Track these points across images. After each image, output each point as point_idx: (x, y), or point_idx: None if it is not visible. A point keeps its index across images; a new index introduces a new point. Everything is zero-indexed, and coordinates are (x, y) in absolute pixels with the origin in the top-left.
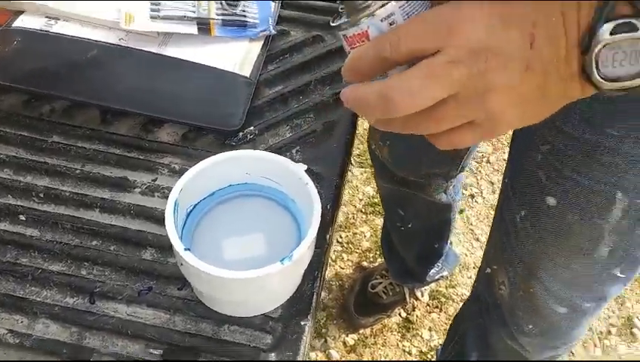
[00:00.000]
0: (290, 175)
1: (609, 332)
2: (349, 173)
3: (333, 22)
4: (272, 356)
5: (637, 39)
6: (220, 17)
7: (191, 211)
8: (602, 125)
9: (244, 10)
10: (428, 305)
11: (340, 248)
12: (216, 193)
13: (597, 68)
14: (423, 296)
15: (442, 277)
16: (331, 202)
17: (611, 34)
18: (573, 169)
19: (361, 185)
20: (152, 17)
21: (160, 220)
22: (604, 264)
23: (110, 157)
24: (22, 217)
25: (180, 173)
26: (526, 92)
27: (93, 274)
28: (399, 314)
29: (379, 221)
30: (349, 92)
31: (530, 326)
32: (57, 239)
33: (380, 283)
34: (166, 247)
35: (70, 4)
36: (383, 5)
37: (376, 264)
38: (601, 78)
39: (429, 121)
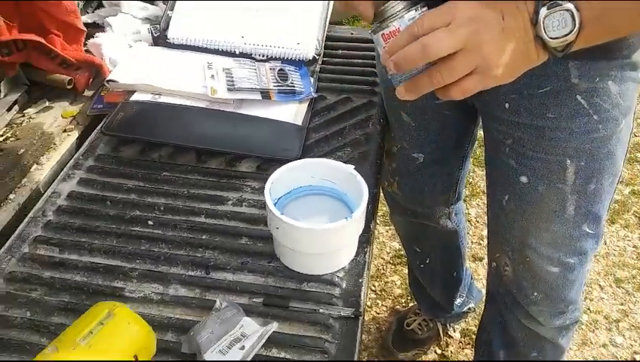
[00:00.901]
0: (343, 173)
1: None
2: (376, 230)
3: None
4: (340, 303)
5: (562, 10)
6: (276, 87)
7: (275, 203)
8: (541, 113)
9: (292, 82)
10: (460, 341)
11: (374, 295)
12: (292, 191)
13: (545, 32)
14: (455, 332)
15: (469, 309)
16: (371, 199)
17: (547, 9)
18: (533, 149)
19: (387, 240)
20: (228, 89)
21: (248, 220)
22: (574, 221)
23: (207, 183)
24: (150, 222)
25: (259, 190)
26: (505, 45)
27: (206, 255)
28: (435, 351)
29: (406, 270)
30: (395, 56)
31: (536, 294)
32: (177, 234)
33: (415, 320)
34: (255, 235)
35: (169, 83)
36: (408, 11)
37: (409, 306)
38: (549, 37)
39: (446, 71)
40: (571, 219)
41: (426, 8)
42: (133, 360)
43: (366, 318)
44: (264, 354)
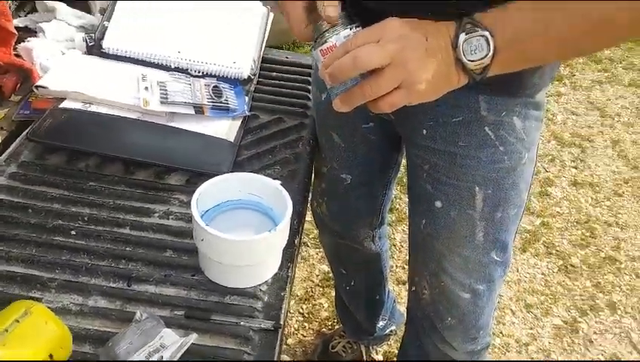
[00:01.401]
0: (270, 188)
1: None
2: (306, 252)
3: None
4: (262, 316)
5: (478, 35)
6: (210, 103)
7: (202, 216)
8: (454, 140)
9: (227, 99)
10: None
11: (301, 318)
12: (220, 205)
13: (464, 55)
14: (377, 354)
15: (391, 331)
16: (297, 216)
17: (466, 34)
18: (446, 175)
19: (317, 263)
20: (161, 102)
21: (174, 233)
22: (483, 247)
23: (134, 195)
24: (73, 232)
25: (187, 204)
26: (428, 63)
27: (129, 267)
28: None
29: (334, 293)
30: (330, 68)
31: (449, 318)
32: (100, 245)
33: (339, 342)
34: (180, 248)
35: (101, 92)
36: (344, 28)
37: (335, 329)
38: (467, 60)
39: (376, 84)
40: (480, 246)
41: (360, 28)
42: (49, 359)
43: (292, 341)
44: None
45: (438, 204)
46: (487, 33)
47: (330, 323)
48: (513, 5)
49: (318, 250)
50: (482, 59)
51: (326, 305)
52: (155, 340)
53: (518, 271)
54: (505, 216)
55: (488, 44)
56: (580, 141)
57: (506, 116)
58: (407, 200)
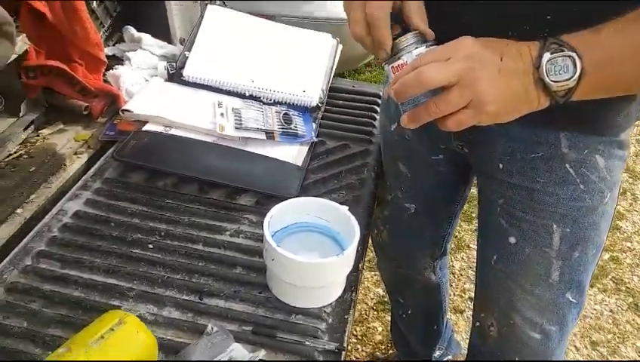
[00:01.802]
0: (337, 213)
1: None
2: (362, 275)
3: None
4: (325, 337)
5: (564, 56)
6: (280, 129)
7: (272, 236)
8: (532, 176)
9: (296, 126)
10: None
11: (355, 340)
12: (288, 226)
13: (547, 75)
14: None
15: (447, 361)
16: (362, 240)
17: (551, 54)
18: (522, 211)
19: (372, 286)
20: (236, 128)
21: (244, 251)
22: (558, 288)
23: (207, 213)
24: (150, 246)
25: (256, 224)
26: (500, 85)
27: (201, 282)
28: None
29: (388, 318)
30: (397, 84)
31: (517, 358)
32: (175, 259)
33: None
34: (249, 266)
35: (180, 117)
36: (417, 47)
37: (389, 354)
38: (550, 81)
39: (442, 103)
40: (555, 285)
41: (434, 46)
42: None
43: None
44: None
45: (512, 239)
46: (574, 54)
47: (383, 347)
48: (602, 28)
49: (373, 273)
50: (567, 80)
51: (380, 329)
52: (225, 354)
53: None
54: (583, 256)
55: (575, 65)
56: None
57: (588, 154)
58: (467, 227)
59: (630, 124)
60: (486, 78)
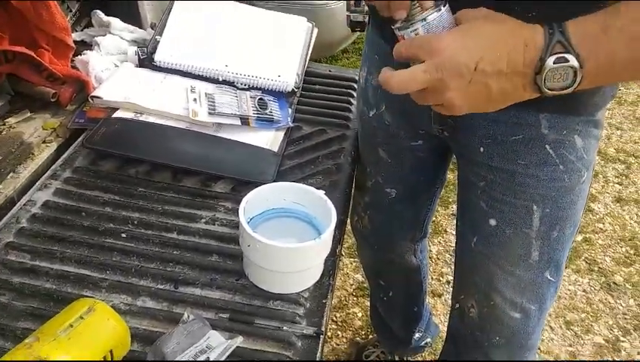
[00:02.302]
0: (314, 198)
1: None
2: (340, 261)
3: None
4: (304, 322)
5: (567, 67)
6: (255, 115)
7: (248, 223)
8: (513, 158)
9: (271, 111)
10: None
11: (335, 326)
12: (264, 212)
13: (545, 82)
14: None
15: (426, 344)
16: (339, 224)
17: (554, 63)
18: (503, 193)
19: (351, 272)
20: (209, 113)
21: (220, 238)
22: (538, 267)
23: (181, 201)
24: (123, 235)
25: (232, 211)
26: (470, 92)
27: (176, 270)
28: None
29: (368, 303)
30: (380, 76)
31: (497, 338)
32: (149, 248)
33: (373, 352)
34: (225, 253)
35: (152, 103)
36: (419, 21)
37: (368, 338)
38: (546, 88)
39: (419, 99)
40: (535, 265)
41: (447, 9)
42: (110, 354)
43: (326, 349)
44: None
45: (493, 221)
46: (576, 64)
47: (363, 332)
48: (610, 27)
49: (352, 259)
50: (563, 88)
51: (360, 314)
52: (202, 341)
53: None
54: (561, 235)
55: (575, 75)
56: (625, 157)
57: (567, 135)
58: (443, 212)
59: (605, 103)
60: (454, 89)
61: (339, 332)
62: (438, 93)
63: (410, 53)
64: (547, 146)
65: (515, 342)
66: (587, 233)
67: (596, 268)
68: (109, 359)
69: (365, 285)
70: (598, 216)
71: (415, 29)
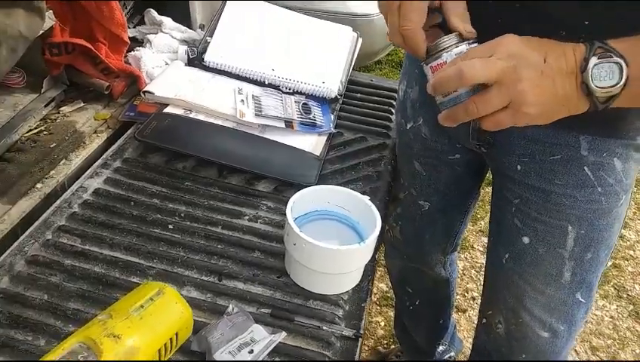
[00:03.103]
0: (358, 203)
1: None
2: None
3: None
4: (343, 323)
5: (612, 62)
6: (299, 119)
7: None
8: (550, 178)
9: (314, 116)
10: None
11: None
12: (308, 213)
13: (592, 80)
14: None
15: (450, 357)
16: (380, 232)
17: (598, 59)
18: (538, 211)
19: (376, 281)
20: (256, 114)
21: (262, 236)
22: (569, 288)
23: (226, 197)
24: (170, 226)
25: (274, 210)
26: (541, 86)
27: (220, 264)
28: None
29: (391, 313)
30: (434, 78)
31: (524, 355)
32: (194, 241)
33: None
34: (267, 250)
35: (201, 101)
36: (457, 46)
37: (390, 348)
38: (595, 86)
39: (481, 103)
40: (567, 285)
41: (475, 45)
42: (175, 336)
43: None
44: (268, 361)
45: (526, 239)
46: (621, 61)
47: (385, 341)
48: None
49: (377, 268)
50: (612, 87)
51: (382, 324)
52: (246, 334)
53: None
54: (595, 258)
55: (621, 72)
56: None
57: (607, 157)
58: (471, 228)
59: None
60: (527, 78)
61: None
62: (510, 84)
63: (473, 55)
64: (586, 168)
65: (542, 360)
66: (617, 259)
67: (625, 296)
68: (175, 341)
69: (389, 295)
70: (629, 243)
71: (445, 60)
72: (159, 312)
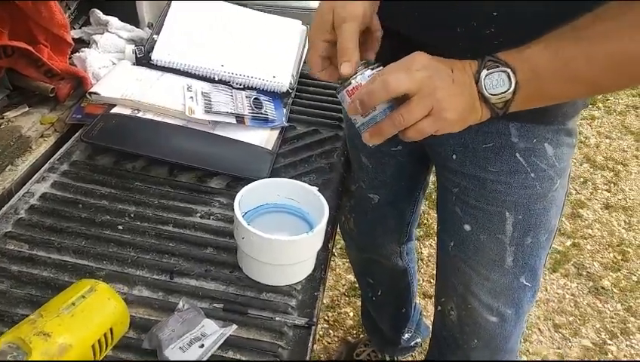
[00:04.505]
0: (307, 193)
1: None
2: (333, 262)
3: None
4: (296, 313)
5: (499, 71)
6: (251, 114)
7: (242, 217)
8: (484, 166)
9: (266, 111)
10: None
11: (326, 326)
12: (258, 207)
13: (485, 89)
14: None
15: (416, 344)
16: (330, 222)
17: (487, 70)
18: (476, 199)
19: (343, 273)
20: (205, 111)
21: (215, 232)
22: (513, 272)
23: (177, 196)
24: (120, 227)
25: (227, 206)
26: (455, 93)
27: (172, 262)
28: None
29: (360, 303)
30: (359, 93)
31: (476, 341)
32: (145, 240)
33: (364, 351)
34: (220, 246)
35: (149, 100)
36: (366, 69)
37: (360, 338)
38: (489, 93)
39: (406, 113)
40: (510, 270)
41: (381, 67)
42: (109, 332)
43: (318, 347)
44: (220, 354)
45: (467, 227)
46: (508, 70)
47: (355, 331)
48: (535, 44)
49: (344, 259)
50: (503, 93)
51: (351, 314)
52: (197, 329)
53: (547, 290)
54: (535, 242)
55: (510, 79)
56: (614, 164)
57: (537, 143)
58: (434, 215)
59: (577, 112)
60: (443, 87)
61: (330, 331)
62: (430, 92)
63: (392, 71)
64: (517, 154)
65: (493, 345)
66: (576, 238)
67: (584, 273)
68: (110, 336)
69: (357, 285)
70: (587, 222)
71: (359, 83)
72: (91, 308)
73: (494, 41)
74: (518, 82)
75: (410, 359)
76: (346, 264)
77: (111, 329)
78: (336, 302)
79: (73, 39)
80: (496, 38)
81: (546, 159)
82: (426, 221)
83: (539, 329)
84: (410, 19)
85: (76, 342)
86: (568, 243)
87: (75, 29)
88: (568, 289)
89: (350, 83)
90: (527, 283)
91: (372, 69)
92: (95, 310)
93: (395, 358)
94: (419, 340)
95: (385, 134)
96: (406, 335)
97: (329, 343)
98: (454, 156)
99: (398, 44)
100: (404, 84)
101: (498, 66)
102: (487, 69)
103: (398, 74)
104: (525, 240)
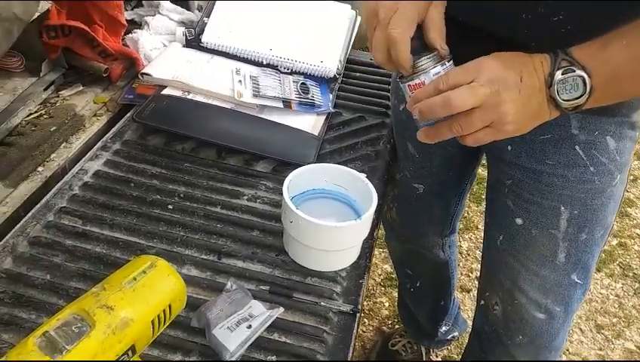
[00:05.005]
0: (355, 180)
1: None
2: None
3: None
4: (341, 299)
5: (575, 76)
6: (298, 99)
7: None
8: (541, 158)
9: (312, 96)
10: None
11: (362, 314)
12: (306, 192)
13: (558, 94)
14: (437, 357)
15: (453, 337)
16: (378, 208)
17: (562, 74)
18: (530, 193)
19: (380, 262)
20: (254, 95)
21: (261, 215)
22: (564, 269)
23: (225, 178)
24: (170, 206)
25: (273, 190)
26: (521, 105)
27: (219, 242)
28: None
29: (395, 294)
30: (421, 104)
31: (521, 337)
32: (194, 220)
33: (399, 341)
34: (266, 229)
35: (199, 82)
36: (434, 66)
37: (395, 328)
38: (561, 100)
39: (465, 124)
40: (561, 267)
41: (451, 64)
42: (168, 308)
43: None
44: (267, 336)
45: (519, 221)
46: (584, 74)
47: (389, 321)
48: (614, 40)
49: (381, 249)
50: (577, 98)
51: (387, 304)
52: (244, 310)
53: (590, 290)
54: (590, 238)
55: (585, 84)
56: None
57: (599, 136)
58: (476, 208)
59: None
60: (509, 101)
61: (365, 320)
62: (494, 107)
63: (451, 84)
64: (577, 147)
65: (539, 342)
66: (623, 238)
67: (631, 274)
68: (168, 312)
69: (393, 276)
70: (635, 222)
71: (423, 80)
72: (152, 284)
73: (561, 29)
74: (593, 87)
75: (445, 352)
76: (383, 254)
77: (169, 306)
78: (372, 291)
79: (126, 20)
80: (564, 25)
81: (607, 153)
82: (466, 214)
83: (580, 329)
84: (472, 8)
85: (137, 317)
86: (614, 242)
87: (127, 10)
88: (612, 289)
89: (413, 78)
90: (578, 281)
91: (441, 65)
92: (155, 286)
93: (431, 351)
94: (456, 334)
95: (440, 138)
96: (443, 328)
97: (364, 331)
98: (510, 147)
99: (464, 33)
100: (467, 103)
101: (573, 70)
102: (562, 72)
103: (461, 91)
104: (580, 236)
